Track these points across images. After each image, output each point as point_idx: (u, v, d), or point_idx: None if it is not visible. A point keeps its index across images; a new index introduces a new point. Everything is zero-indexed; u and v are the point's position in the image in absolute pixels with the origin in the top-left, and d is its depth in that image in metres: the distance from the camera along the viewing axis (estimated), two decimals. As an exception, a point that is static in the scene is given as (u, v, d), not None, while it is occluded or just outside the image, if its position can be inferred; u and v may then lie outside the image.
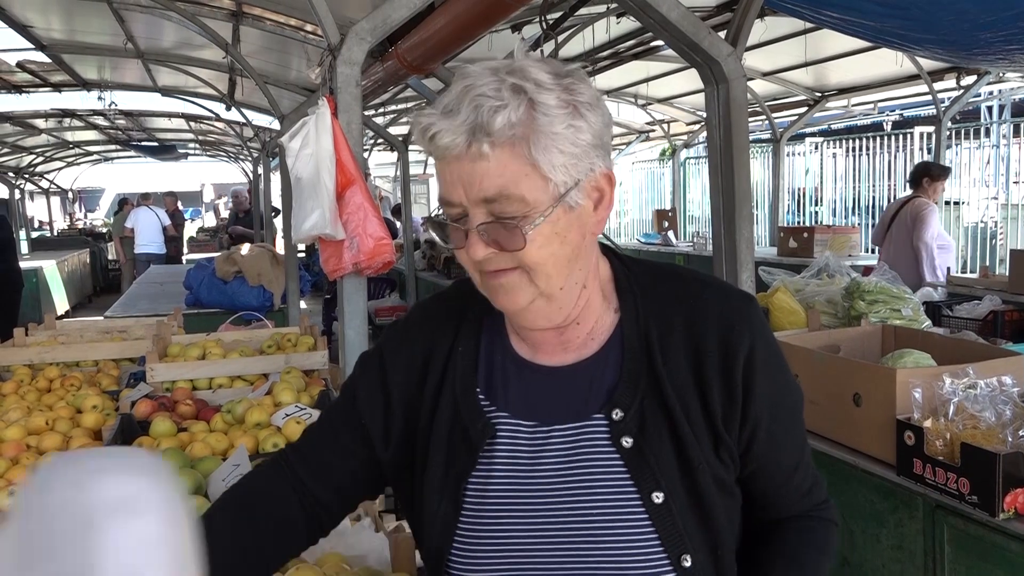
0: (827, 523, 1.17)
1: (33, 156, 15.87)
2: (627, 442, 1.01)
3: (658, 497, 1.00)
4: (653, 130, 12.16)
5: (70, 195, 23.12)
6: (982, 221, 8.74)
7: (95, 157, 18.36)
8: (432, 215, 1.05)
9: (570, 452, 1.03)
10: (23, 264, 9.74)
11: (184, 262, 11.99)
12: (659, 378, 1.03)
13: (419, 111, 0.97)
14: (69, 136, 13.98)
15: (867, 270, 4.74)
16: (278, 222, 9.92)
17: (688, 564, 1.00)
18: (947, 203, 8.01)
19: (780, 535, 1.14)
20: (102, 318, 5.67)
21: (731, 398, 1.03)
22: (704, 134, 9.23)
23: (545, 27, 3.77)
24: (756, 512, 1.13)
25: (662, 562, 0.99)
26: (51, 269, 12.01)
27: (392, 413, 1.11)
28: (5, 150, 14.01)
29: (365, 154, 13.95)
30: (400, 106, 9.85)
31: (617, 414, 1.03)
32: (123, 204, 14.67)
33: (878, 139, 10.16)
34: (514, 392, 1.08)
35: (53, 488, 0.61)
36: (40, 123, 11.86)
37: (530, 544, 1.02)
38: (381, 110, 9.83)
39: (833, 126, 11.59)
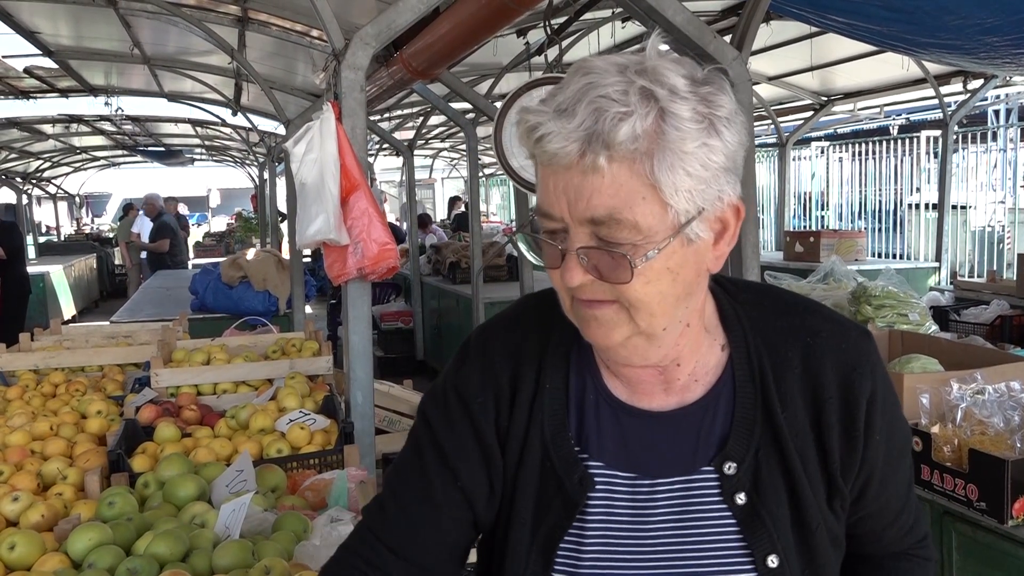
0: (922, 562, 1.10)
1: (40, 161, 15.94)
2: (741, 499, 0.91)
3: (773, 561, 0.90)
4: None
5: (77, 200, 23.19)
6: (989, 225, 8.70)
7: (102, 162, 18.43)
8: (529, 224, 0.90)
9: (676, 510, 0.92)
10: (30, 269, 9.82)
11: (189, 267, 12.01)
12: (777, 427, 0.91)
13: (526, 107, 0.83)
14: (76, 141, 14.04)
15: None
16: (284, 227, 9.93)
17: None
18: (954, 207, 7.98)
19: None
20: (108, 323, 5.68)
21: (851, 446, 0.93)
22: (709, 138, 9.19)
23: (549, 32, 3.76)
24: (856, 548, 1.05)
25: None
26: (58, 274, 12.05)
27: (491, 463, 0.96)
28: (13, 155, 14.07)
29: (370, 159, 13.97)
30: (405, 111, 9.86)
31: (730, 468, 0.91)
32: (129, 209, 14.72)
33: (884, 143, 10.13)
34: (609, 439, 0.95)
35: None
36: (47, 128, 11.91)
37: None
38: (386, 115, 9.84)
39: (839, 130, 11.58)
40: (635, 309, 0.85)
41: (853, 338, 0.96)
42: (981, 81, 6.81)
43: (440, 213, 19.19)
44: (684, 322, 0.90)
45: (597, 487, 0.93)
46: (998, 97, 9.67)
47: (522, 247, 0.89)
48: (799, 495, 0.91)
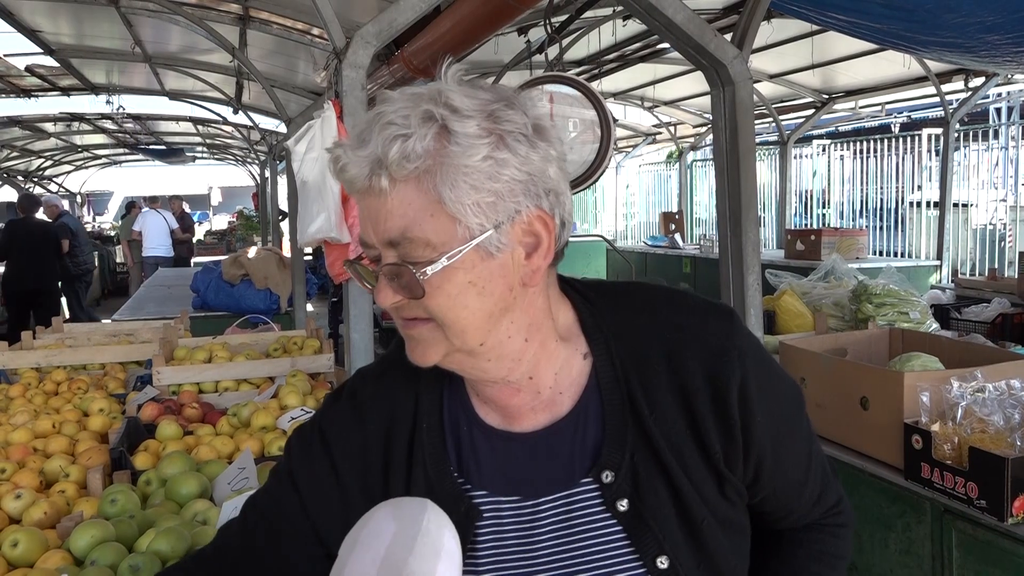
0: (836, 530, 1.11)
1: (42, 160, 15.97)
2: (623, 506, 0.91)
3: (663, 562, 0.91)
4: (660, 133, 12.16)
5: (79, 198, 23.21)
6: (990, 223, 8.69)
7: (103, 160, 18.47)
8: (357, 255, 0.91)
9: (562, 526, 0.93)
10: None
11: (192, 264, 12.02)
12: (647, 429, 0.92)
13: (334, 143, 0.87)
14: (77, 140, 14.07)
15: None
16: (285, 225, 9.94)
17: None
18: (955, 205, 7.97)
19: (786, 558, 1.09)
20: (110, 321, 5.69)
21: (730, 436, 0.92)
22: (711, 136, 9.26)
23: (550, 30, 3.77)
24: (764, 524, 1.06)
25: None
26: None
27: (350, 505, 0.96)
28: (14, 154, 14.10)
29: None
30: (407, 109, 9.85)
31: (607, 476, 0.92)
32: (131, 207, 14.73)
33: (886, 141, 10.12)
34: (489, 466, 0.95)
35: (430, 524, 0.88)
36: (49, 127, 11.94)
37: None
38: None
39: (840, 128, 11.56)
40: (445, 326, 0.85)
41: (715, 326, 0.95)
42: (983, 79, 6.81)
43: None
44: (518, 337, 0.90)
45: (484, 516, 0.94)
46: (1000, 95, 9.66)
47: (354, 279, 0.89)
48: (680, 492, 0.92)
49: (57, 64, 7.49)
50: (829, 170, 11.42)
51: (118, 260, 16.13)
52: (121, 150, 15.95)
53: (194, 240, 14.48)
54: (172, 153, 16.21)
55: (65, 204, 12.76)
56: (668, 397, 0.92)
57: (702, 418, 0.92)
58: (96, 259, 10.54)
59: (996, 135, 9.12)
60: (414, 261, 0.82)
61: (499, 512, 0.94)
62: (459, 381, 0.98)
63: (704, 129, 11.06)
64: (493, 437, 0.96)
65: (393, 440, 0.97)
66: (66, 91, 8.81)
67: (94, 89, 8.78)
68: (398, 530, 0.88)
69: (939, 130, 7.82)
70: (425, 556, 0.85)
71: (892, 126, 10.57)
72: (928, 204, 9.01)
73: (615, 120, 3.35)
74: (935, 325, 3.73)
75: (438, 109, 0.81)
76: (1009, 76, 6.85)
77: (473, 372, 0.92)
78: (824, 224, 10.99)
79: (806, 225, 11.26)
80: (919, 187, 9.57)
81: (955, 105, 7.26)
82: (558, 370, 0.94)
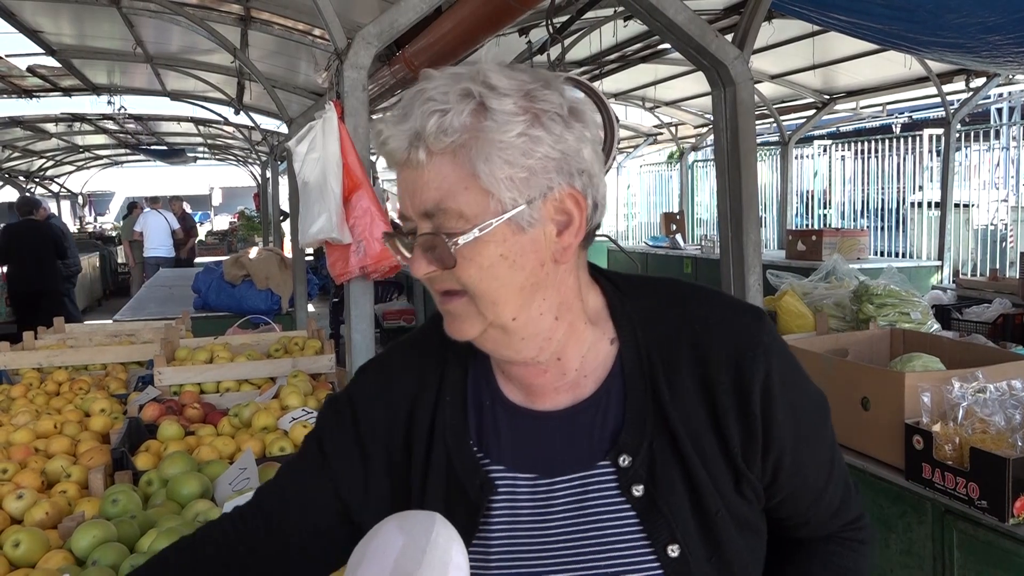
0: (856, 545, 1.08)
1: (43, 160, 15.98)
2: (638, 491, 0.92)
3: (674, 551, 0.91)
4: (661, 133, 12.16)
5: (80, 199, 23.24)
6: (992, 224, 8.68)
7: (105, 161, 18.47)
8: (393, 228, 0.94)
9: (576, 506, 0.94)
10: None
11: (193, 264, 12.03)
12: (668, 417, 0.92)
13: (377, 119, 0.91)
14: (79, 140, 14.07)
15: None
16: (286, 226, 9.95)
17: None
18: (956, 205, 7.97)
19: (801, 567, 1.07)
20: (111, 321, 5.69)
21: (750, 431, 0.93)
22: (712, 137, 9.25)
23: (552, 31, 3.77)
24: (781, 532, 1.05)
25: None
26: (61, 272, 12.04)
27: (372, 471, 1.00)
28: (16, 154, 14.11)
29: (373, 157, 14.00)
30: (408, 110, 9.85)
31: (624, 460, 0.93)
32: (132, 208, 14.75)
33: (887, 142, 10.11)
34: (507, 442, 0.97)
35: (439, 537, 0.87)
36: (50, 127, 11.94)
37: None
38: (389, 114, 9.84)
39: (842, 128, 11.56)
40: (478, 299, 0.87)
41: (743, 322, 0.95)
42: (984, 79, 6.80)
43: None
44: (548, 315, 0.92)
45: (499, 490, 0.96)
46: (1001, 95, 9.66)
47: (391, 251, 0.92)
48: (696, 483, 0.92)
49: (58, 64, 7.49)
50: (830, 170, 11.42)
51: (119, 260, 16.15)
52: (122, 150, 15.96)
53: (195, 241, 14.47)
54: (173, 154, 16.21)
55: (53, 207, 12.74)
56: (691, 387, 0.93)
57: (723, 411, 0.92)
58: (79, 261, 10.38)
59: (997, 135, 9.12)
60: (448, 232, 0.84)
61: (515, 488, 0.96)
62: (485, 358, 0.99)
63: (705, 130, 11.06)
64: (515, 414, 0.98)
65: (416, 412, 0.99)
66: (67, 91, 8.82)
67: (95, 89, 8.79)
68: (406, 543, 0.88)
69: (940, 130, 7.81)
70: (433, 569, 0.86)
71: (893, 126, 10.56)
72: (929, 204, 9.01)
73: (618, 120, 3.34)
74: (936, 326, 3.72)
75: (476, 87, 0.84)
76: (1010, 76, 6.85)
77: (506, 352, 0.93)
78: (825, 224, 10.99)
79: (807, 225, 11.25)
80: (920, 187, 9.56)
81: (956, 105, 7.26)
82: (585, 353, 0.96)
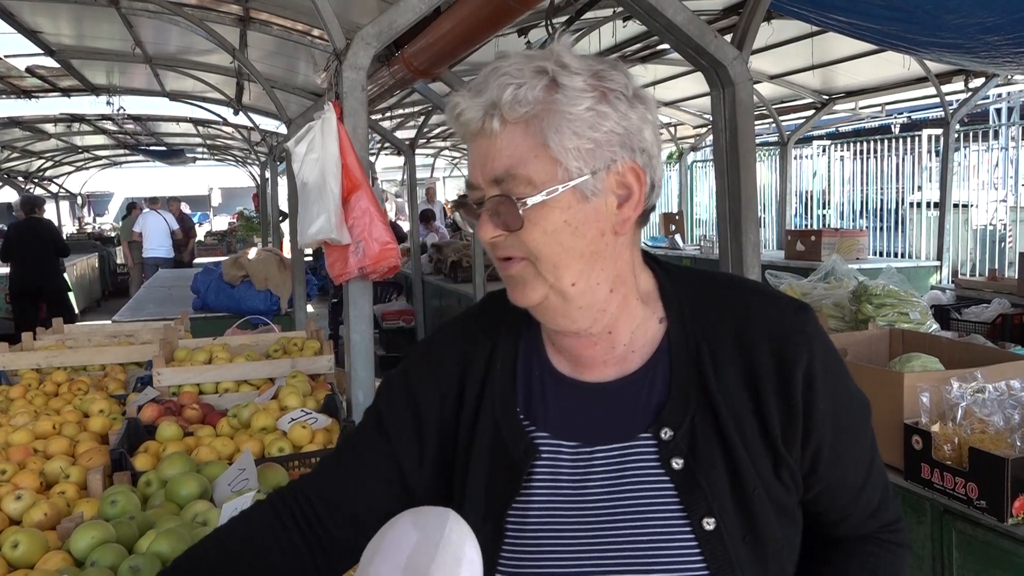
0: (894, 548, 1.08)
1: (42, 160, 15.98)
2: (677, 464, 0.95)
3: (709, 524, 0.93)
4: (660, 133, 12.14)
5: (79, 199, 23.23)
6: (991, 224, 8.69)
7: (104, 161, 18.46)
8: (460, 198, 1.00)
9: (616, 475, 0.97)
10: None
11: (193, 265, 12.03)
12: (711, 395, 0.96)
13: (453, 93, 0.96)
14: (78, 140, 14.07)
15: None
16: (285, 226, 9.94)
17: None
18: (955, 206, 7.97)
19: (840, 559, 1.07)
20: (110, 322, 5.69)
21: (790, 416, 0.95)
22: (711, 137, 9.26)
23: (551, 31, 3.77)
24: (819, 529, 1.06)
25: None
26: (60, 273, 12.04)
27: (425, 437, 1.05)
28: (15, 154, 14.10)
29: (372, 158, 13.96)
30: (407, 110, 9.87)
31: (666, 433, 0.96)
32: (131, 208, 14.74)
33: (886, 142, 10.12)
34: (554, 410, 1.01)
35: (452, 533, 0.91)
36: (49, 128, 11.94)
37: (574, 571, 0.96)
38: (388, 114, 9.85)
39: (841, 129, 11.57)
40: (539, 261, 0.92)
41: (788, 312, 0.99)
42: (983, 80, 6.81)
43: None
44: (605, 286, 0.96)
45: (542, 456, 0.99)
46: (1000, 95, 9.66)
47: (458, 220, 0.98)
48: (735, 460, 0.94)
49: (57, 65, 7.49)
50: (829, 171, 11.42)
51: (118, 261, 16.14)
52: (121, 151, 15.95)
53: (195, 242, 14.46)
54: (172, 154, 16.21)
55: (52, 207, 12.89)
56: (734, 369, 0.96)
57: (765, 394, 0.95)
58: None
59: (996, 135, 9.12)
60: (517, 196, 0.90)
61: (558, 454, 0.99)
62: (536, 332, 1.05)
63: (704, 130, 11.07)
64: (562, 384, 1.02)
65: (467, 381, 1.04)
66: (66, 92, 8.82)
67: (94, 90, 8.78)
68: (420, 539, 0.91)
69: (939, 131, 7.82)
70: (447, 565, 0.88)
71: (892, 127, 10.57)
72: (928, 205, 9.02)
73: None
74: (935, 326, 3.72)
75: (550, 64, 0.90)
76: (1009, 77, 6.86)
77: (562, 321, 0.97)
78: (824, 225, 11.00)
79: (806, 226, 11.26)
80: (919, 188, 9.57)
81: (955, 106, 7.27)
82: (635, 328, 1.00)
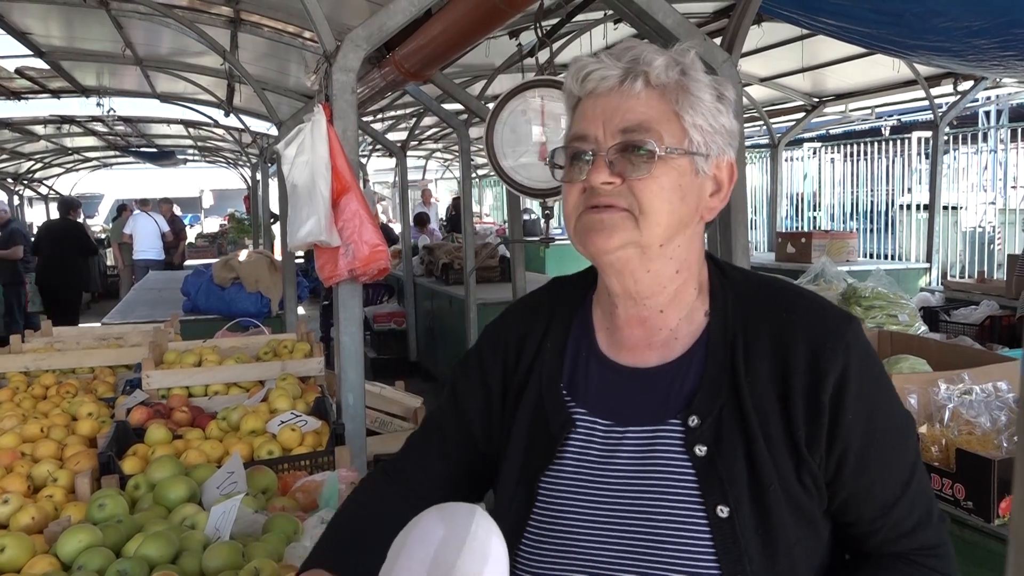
0: (929, 572, 1.04)
1: (32, 162, 15.88)
2: (700, 451, 0.99)
3: (723, 511, 0.96)
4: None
5: (69, 201, 23.08)
6: (980, 226, 8.74)
7: (94, 163, 18.36)
8: (553, 153, 1.08)
9: (642, 455, 1.02)
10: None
11: (183, 267, 11.98)
12: (740, 390, 1.00)
13: (577, 58, 1.06)
14: (68, 142, 14.00)
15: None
16: (276, 228, 9.93)
17: None
18: (944, 208, 8.02)
19: (866, 572, 1.05)
20: (99, 324, 5.67)
21: (815, 420, 0.97)
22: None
23: (541, 34, 3.77)
24: (850, 542, 1.06)
25: None
26: (50, 275, 11.98)
27: (492, 406, 1.15)
28: (4, 156, 14.02)
29: (363, 160, 13.95)
30: (398, 112, 9.86)
31: (693, 421, 1.00)
32: (122, 210, 14.67)
33: (876, 144, 10.17)
34: (595, 389, 1.08)
35: (479, 530, 0.94)
36: (39, 129, 11.87)
37: (593, 541, 1.01)
38: (379, 116, 9.84)
39: (831, 131, 11.61)
40: (644, 215, 0.99)
41: (830, 319, 1.02)
42: (971, 83, 6.85)
43: (441, 213, 19.15)
44: (676, 261, 1.04)
45: (578, 429, 1.07)
46: (988, 98, 9.72)
47: (556, 166, 1.05)
48: (755, 455, 0.98)
49: (47, 66, 7.46)
50: (820, 173, 11.47)
51: (108, 263, 16.06)
52: (112, 153, 15.87)
53: (185, 244, 14.40)
54: (163, 156, 16.14)
55: (41, 209, 13.33)
56: (767, 367, 1.00)
57: (795, 395, 0.98)
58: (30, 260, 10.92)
59: (985, 138, 9.18)
60: (645, 143, 0.98)
61: (592, 430, 1.06)
62: (588, 315, 1.14)
63: (695, 132, 11.07)
64: (605, 366, 1.09)
65: (522, 355, 1.14)
66: (56, 93, 8.77)
67: (84, 91, 8.75)
68: (447, 534, 0.94)
69: (928, 133, 7.86)
70: (473, 560, 0.92)
71: (882, 129, 10.62)
72: (918, 207, 9.07)
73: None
74: (924, 327, 3.75)
75: (680, 59, 1.02)
76: (997, 80, 6.90)
77: (628, 280, 1.04)
78: (815, 226, 11.05)
79: (797, 228, 11.31)
80: (909, 190, 9.62)
81: (944, 108, 7.31)
82: (683, 316, 1.07)
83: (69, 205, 10.75)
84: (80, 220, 10.61)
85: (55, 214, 12.38)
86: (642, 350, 1.07)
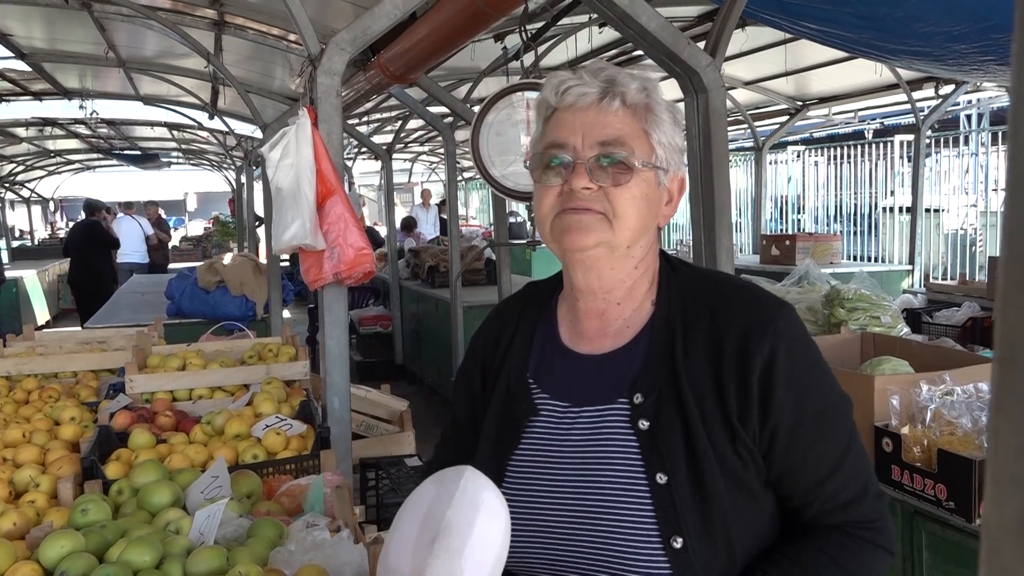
0: (864, 544, 1.12)
1: (14, 165, 15.75)
2: (644, 425, 1.10)
3: (661, 478, 1.07)
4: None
5: (51, 204, 22.92)
6: (962, 228, 8.82)
7: (76, 166, 18.23)
8: (530, 159, 1.20)
9: (594, 431, 1.14)
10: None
11: (167, 270, 11.91)
12: (677, 369, 1.11)
13: (553, 75, 1.16)
14: (50, 145, 13.89)
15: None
16: (261, 231, 9.88)
17: (678, 546, 1.05)
18: (927, 210, 8.08)
19: (802, 539, 1.13)
20: (82, 328, 5.62)
21: (745, 398, 1.07)
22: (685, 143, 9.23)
23: (526, 38, 3.78)
24: (788, 514, 1.15)
25: (654, 540, 1.06)
26: (31, 279, 11.91)
27: (476, 406, 1.29)
28: (-15, 159, 13.89)
29: (349, 163, 13.91)
30: (384, 115, 9.85)
31: (638, 398, 1.12)
32: (93, 212, 14.54)
33: (859, 147, 10.25)
34: (556, 377, 1.21)
35: (468, 483, 1.04)
36: (21, 132, 11.78)
37: (553, 511, 1.13)
38: (365, 119, 9.83)
39: (815, 134, 11.69)
40: (617, 218, 1.11)
41: (763, 306, 1.13)
42: (953, 86, 6.91)
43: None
44: (634, 256, 1.16)
45: (540, 412, 1.19)
46: (970, 102, 9.80)
47: (535, 173, 1.14)
48: (690, 428, 1.08)
49: (29, 68, 7.40)
50: (804, 176, 11.55)
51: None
52: (95, 155, 15.76)
53: (169, 245, 14.31)
54: (147, 158, 16.05)
55: (23, 212, 13.32)
56: (703, 349, 1.11)
57: (726, 375, 1.09)
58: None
59: (967, 141, 9.27)
60: (621, 156, 1.11)
61: (552, 412, 1.19)
62: (553, 313, 1.26)
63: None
64: (566, 355, 1.22)
65: (498, 348, 1.28)
66: (38, 96, 8.71)
67: (67, 94, 8.69)
68: (438, 492, 1.06)
69: (911, 136, 7.92)
70: (463, 509, 1.01)
71: (865, 132, 10.70)
72: (900, 209, 9.13)
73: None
74: (906, 329, 3.77)
75: (646, 84, 1.15)
76: (978, 83, 6.97)
77: (594, 276, 1.16)
78: (799, 229, 11.11)
79: (781, 230, 11.37)
80: (892, 192, 9.70)
81: (926, 112, 7.37)
82: (636, 307, 1.19)
83: (93, 207, 11.23)
84: (103, 219, 11.08)
85: (48, 217, 12.41)
86: (599, 339, 1.20)
